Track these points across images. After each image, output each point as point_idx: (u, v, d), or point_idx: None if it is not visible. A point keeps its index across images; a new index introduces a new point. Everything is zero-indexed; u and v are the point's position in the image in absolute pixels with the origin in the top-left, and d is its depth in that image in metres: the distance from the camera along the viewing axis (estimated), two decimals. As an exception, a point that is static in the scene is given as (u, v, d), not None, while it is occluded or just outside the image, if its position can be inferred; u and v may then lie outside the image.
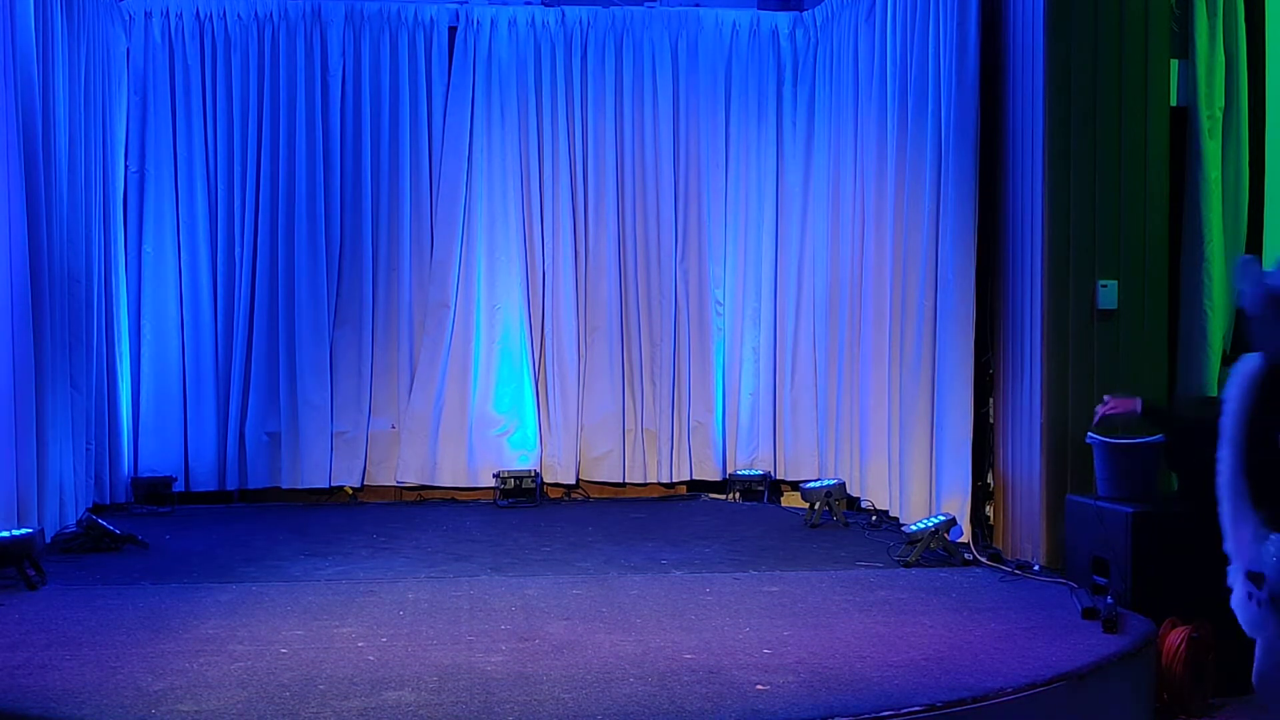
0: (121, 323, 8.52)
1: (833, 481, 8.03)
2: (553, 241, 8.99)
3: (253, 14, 8.72)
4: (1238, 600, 3.59)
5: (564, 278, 8.96)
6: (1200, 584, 5.19)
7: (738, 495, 8.79)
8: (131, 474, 8.51)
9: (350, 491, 8.86)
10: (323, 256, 8.71)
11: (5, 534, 5.71)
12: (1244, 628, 3.61)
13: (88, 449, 7.64)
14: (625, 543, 6.99)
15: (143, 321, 8.65)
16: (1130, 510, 5.32)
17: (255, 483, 8.70)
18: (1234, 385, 3.60)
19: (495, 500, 8.59)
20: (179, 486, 8.49)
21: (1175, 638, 4.87)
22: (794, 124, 9.11)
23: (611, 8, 9.04)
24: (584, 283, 9.01)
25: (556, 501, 8.85)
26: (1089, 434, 5.86)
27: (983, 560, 6.25)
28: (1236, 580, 3.58)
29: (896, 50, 7.48)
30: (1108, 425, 4.93)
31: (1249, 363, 3.61)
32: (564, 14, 9.00)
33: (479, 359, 8.89)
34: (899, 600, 5.45)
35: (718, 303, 9.08)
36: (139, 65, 8.66)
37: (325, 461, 8.73)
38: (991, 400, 6.65)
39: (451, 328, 8.88)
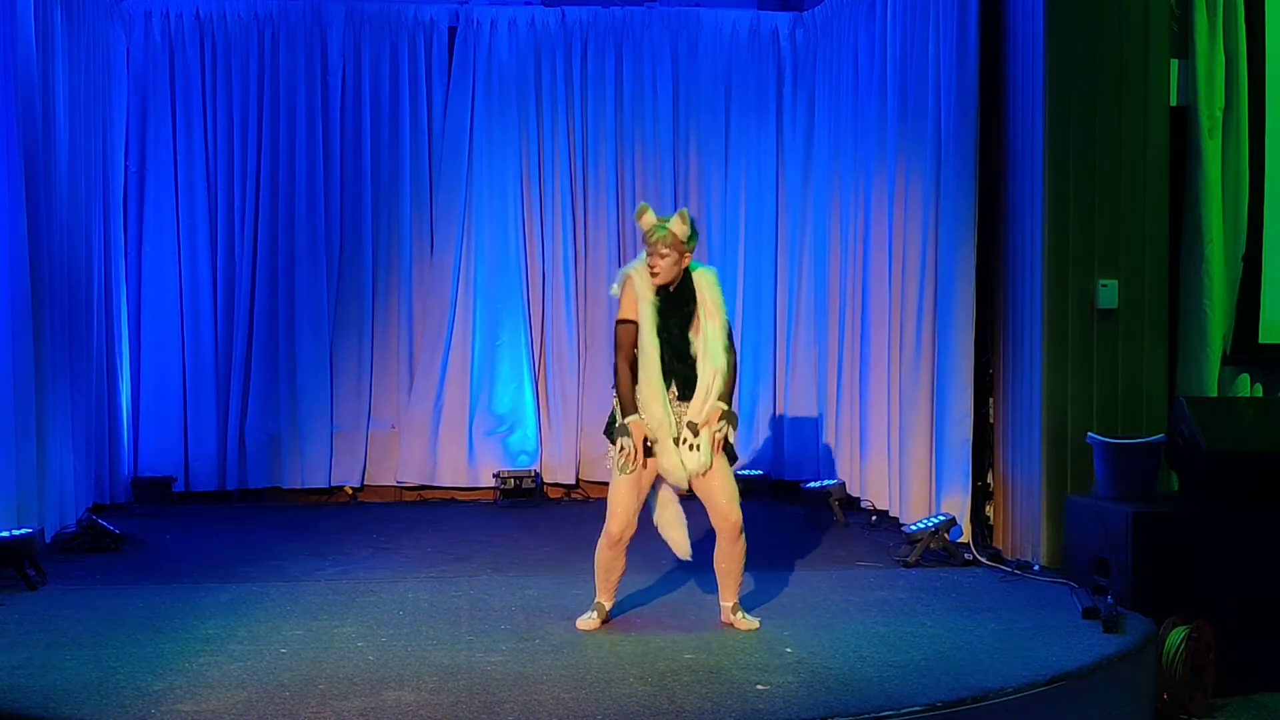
0: (121, 323, 8.52)
1: (833, 481, 8.03)
2: (553, 241, 8.98)
3: (253, 14, 8.72)
4: None
5: (564, 278, 8.96)
6: (1200, 584, 5.23)
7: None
8: (131, 474, 8.52)
9: (350, 491, 8.86)
10: (323, 256, 8.71)
11: (5, 534, 5.71)
12: None
13: (87, 449, 7.64)
14: (625, 543, 6.98)
15: (143, 321, 8.66)
16: (1130, 510, 5.32)
17: (255, 483, 8.70)
18: None
19: (495, 500, 8.60)
20: (179, 486, 8.49)
21: (1175, 638, 4.87)
22: (794, 124, 9.10)
23: (611, 8, 9.04)
24: (584, 282, 9.01)
25: (556, 501, 8.85)
26: (1089, 434, 5.87)
27: (983, 560, 6.25)
28: None
29: (896, 50, 7.48)
30: None
31: None
32: (564, 14, 9.00)
33: (479, 359, 8.89)
34: (899, 600, 5.45)
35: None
36: (139, 65, 8.67)
37: (325, 461, 8.73)
38: (991, 400, 6.65)
39: (451, 328, 8.88)
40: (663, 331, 4.83)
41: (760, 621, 4.97)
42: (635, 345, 4.83)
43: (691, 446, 4.82)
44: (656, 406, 4.81)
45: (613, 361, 4.93)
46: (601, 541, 4.99)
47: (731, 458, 4.95)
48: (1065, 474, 6.09)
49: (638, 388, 4.82)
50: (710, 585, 5.23)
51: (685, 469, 4.83)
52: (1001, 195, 6.56)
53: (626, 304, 4.87)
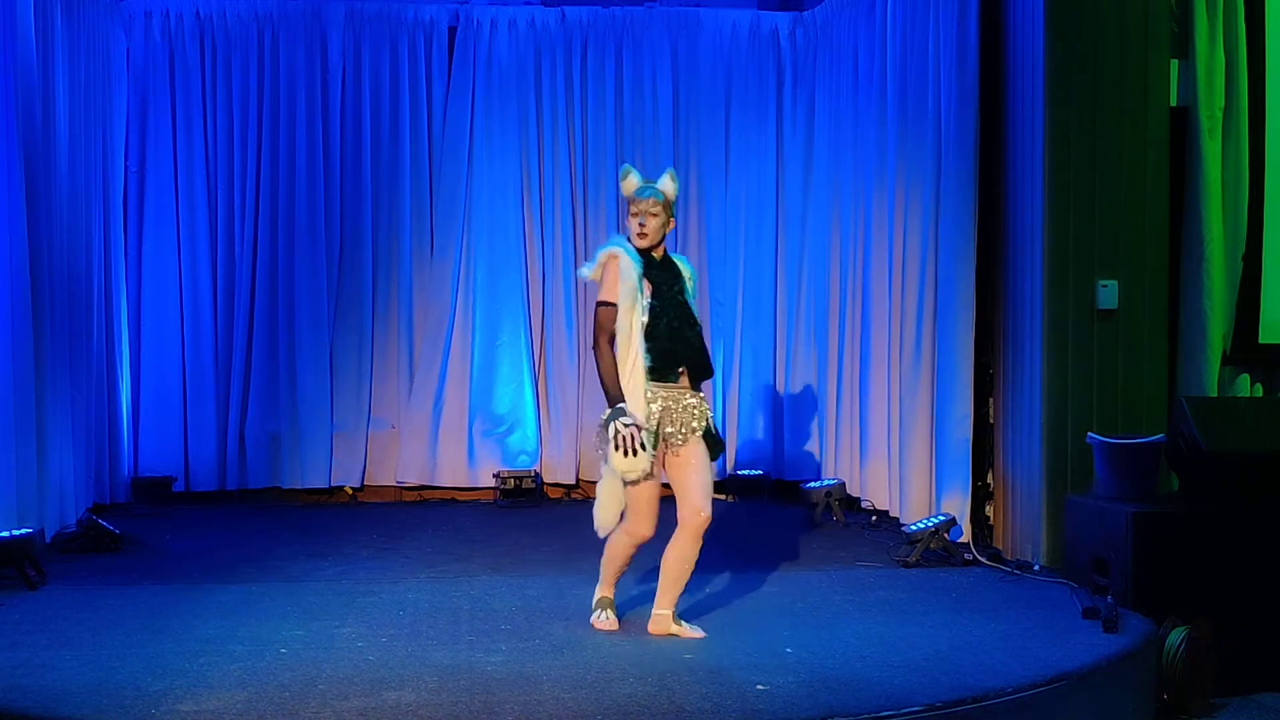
0: (121, 323, 8.52)
1: (833, 481, 8.03)
2: (553, 242, 8.99)
3: (253, 14, 8.72)
4: None
5: (564, 278, 8.96)
6: (1200, 584, 5.23)
7: (737, 495, 8.79)
8: (131, 474, 8.52)
9: (350, 491, 8.86)
10: (323, 256, 8.72)
11: (5, 534, 5.71)
12: None
13: (87, 449, 7.63)
14: (625, 543, 6.97)
15: (143, 321, 8.66)
16: (1130, 510, 5.32)
17: (255, 483, 8.70)
18: None
19: (495, 500, 8.60)
20: (179, 486, 8.49)
21: (1175, 638, 4.87)
22: (794, 124, 9.10)
23: (611, 8, 9.04)
24: (584, 282, 8.99)
25: (556, 501, 8.85)
26: (1089, 434, 5.87)
27: (983, 560, 6.25)
28: None
29: (896, 50, 7.48)
30: None
31: None
32: (564, 14, 9.00)
33: (479, 359, 8.89)
34: (899, 600, 5.45)
35: (718, 302, 9.07)
36: (139, 65, 8.67)
37: (325, 461, 8.73)
38: (991, 400, 6.65)
39: (451, 328, 8.88)
40: (665, 297, 4.70)
41: (703, 631, 4.78)
42: (614, 329, 4.66)
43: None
44: (638, 400, 4.64)
45: (592, 346, 4.75)
46: (624, 538, 4.81)
47: (718, 447, 4.85)
48: (1065, 474, 6.09)
49: (620, 378, 4.63)
50: (707, 584, 5.24)
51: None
52: (1001, 195, 6.56)
53: (608, 285, 4.69)
